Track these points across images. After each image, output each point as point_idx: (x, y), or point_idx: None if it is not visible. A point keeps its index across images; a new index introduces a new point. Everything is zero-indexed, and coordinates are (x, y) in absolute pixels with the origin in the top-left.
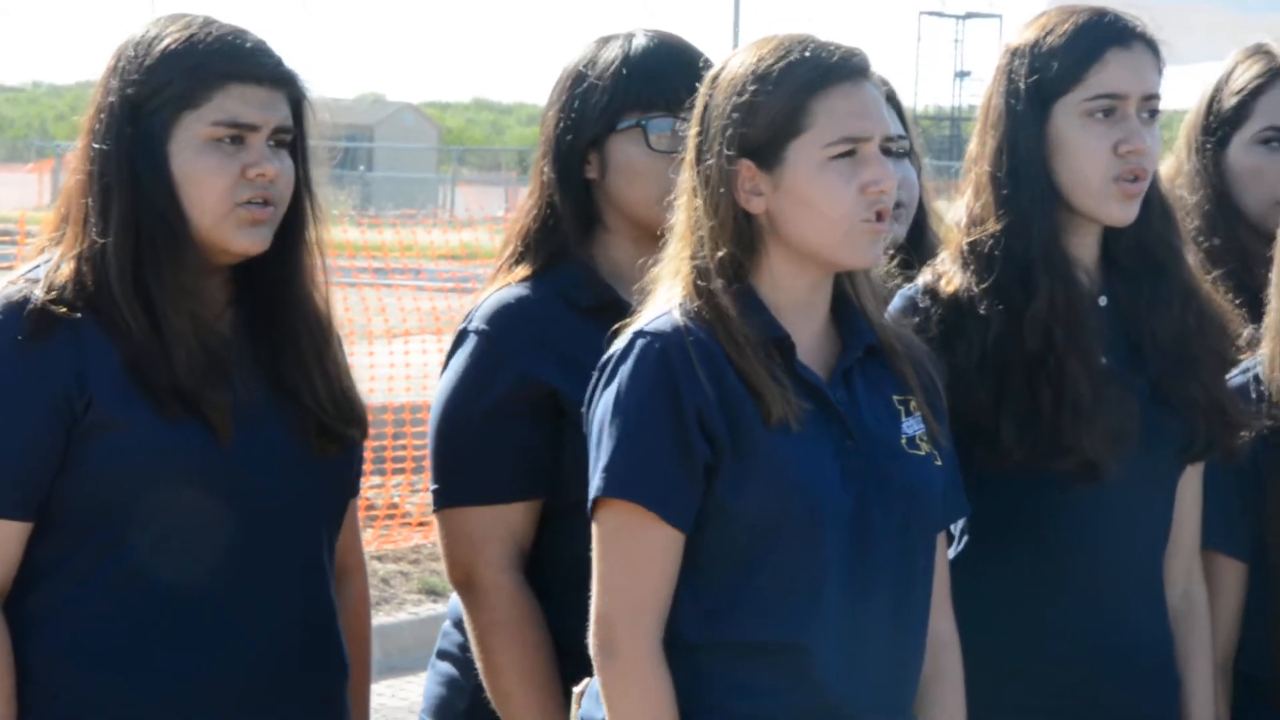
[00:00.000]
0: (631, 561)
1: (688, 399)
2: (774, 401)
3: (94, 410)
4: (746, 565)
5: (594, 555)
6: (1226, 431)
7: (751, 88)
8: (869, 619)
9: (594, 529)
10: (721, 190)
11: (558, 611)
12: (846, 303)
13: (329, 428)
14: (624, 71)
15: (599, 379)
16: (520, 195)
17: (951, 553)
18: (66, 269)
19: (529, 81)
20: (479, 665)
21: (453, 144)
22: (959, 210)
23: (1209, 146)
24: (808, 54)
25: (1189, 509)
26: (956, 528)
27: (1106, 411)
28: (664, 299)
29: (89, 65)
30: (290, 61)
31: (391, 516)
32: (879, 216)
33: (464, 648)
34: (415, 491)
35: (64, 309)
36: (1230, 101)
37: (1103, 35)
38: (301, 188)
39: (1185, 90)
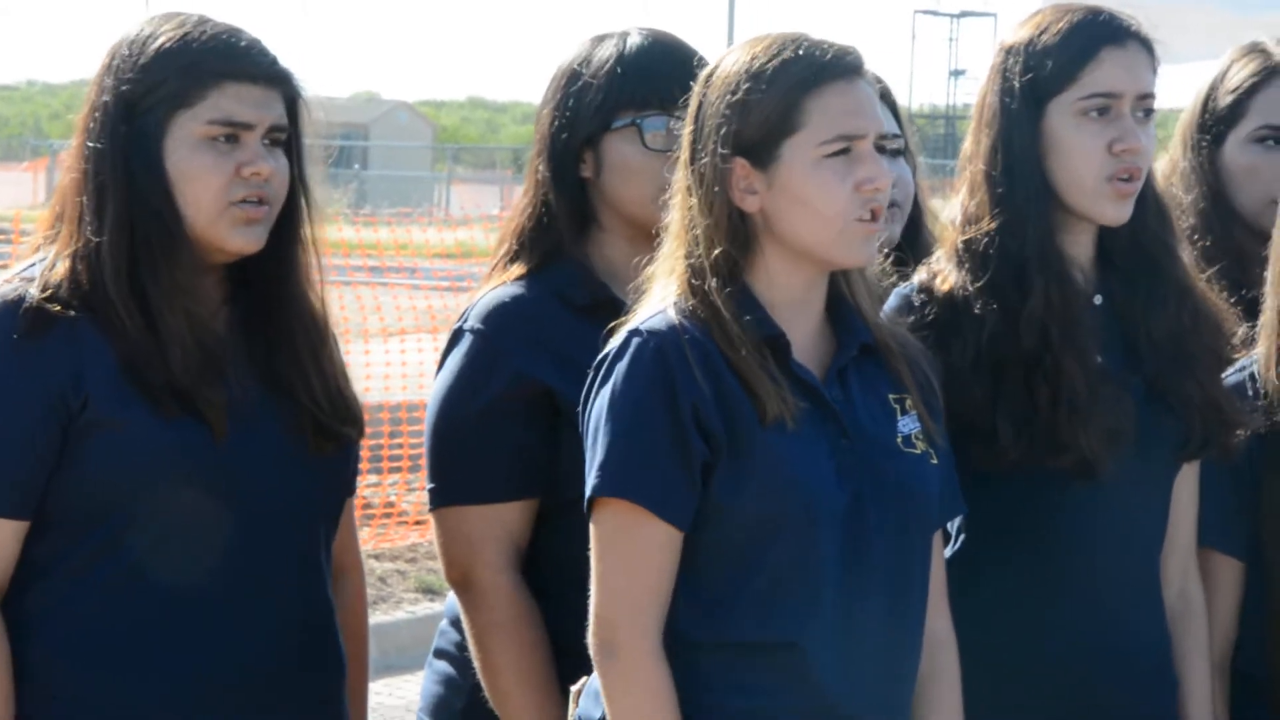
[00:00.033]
0: (630, 561)
1: (684, 397)
2: (769, 400)
3: (90, 409)
4: (743, 564)
5: (592, 555)
6: (1222, 430)
7: (745, 86)
8: (865, 618)
9: (592, 528)
10: (716, 189)
11: (555, 611)
12: (842, 301)
13: (325, 426)
14: (619, 70)
15: (595, 378)
16: (515, 194)
17: (948, 552)
18: (61, 268)
19: (524, 80)
20: (476, 665)
21: (447, 142)
22: (954, 209)
23: (1204, 145)
24: (801, 52)
25: (1185, 507)
26: (953, 527)
27: (1102, 410)
28: (659, 297)
29: (84, 64)
30: (285, 60)
31: (388, 515)
32: (873, 215)
33: (461, 647)
34: (412, 490)
35: (59, 308)
36: (1226, 100)
37: (1097, 34)
38: (296, 186)
39: (1180, 89)
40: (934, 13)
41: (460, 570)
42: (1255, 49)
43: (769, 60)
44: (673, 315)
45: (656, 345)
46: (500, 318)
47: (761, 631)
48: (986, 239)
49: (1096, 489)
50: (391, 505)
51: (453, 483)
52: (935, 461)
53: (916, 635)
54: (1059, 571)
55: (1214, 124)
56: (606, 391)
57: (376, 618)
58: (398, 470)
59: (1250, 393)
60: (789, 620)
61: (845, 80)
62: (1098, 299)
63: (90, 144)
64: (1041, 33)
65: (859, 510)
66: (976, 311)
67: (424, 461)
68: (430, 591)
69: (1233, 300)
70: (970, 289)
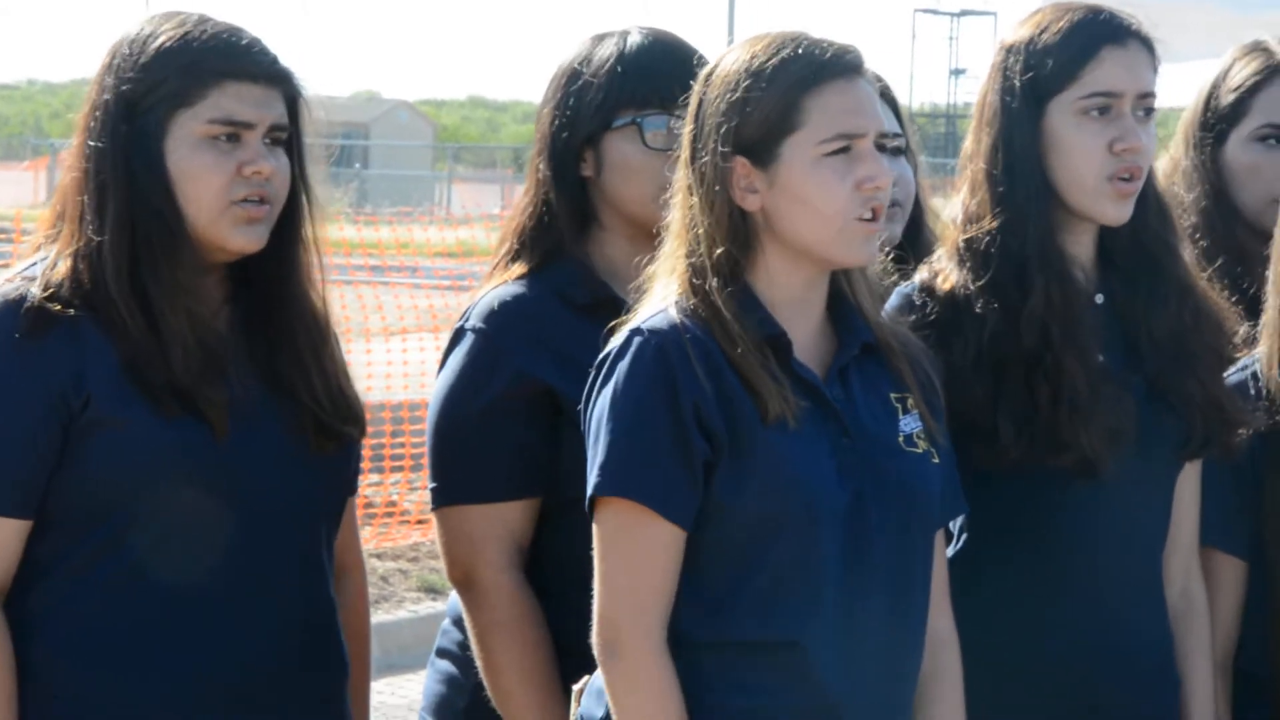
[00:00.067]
0: (633, 560)
1: (686, 396)
2: (771, 399)
3: (91, 408)
4: (744, 563)
5: (595, 554)
6: (1224, 428)
7: (745, 85)
8: (867, 617)
9: (594, 528)
10: (717, 188)
11: (557, 610)
12: (843, 300)
13: (326, 425)
14: (619, 69)
15: (596, 377)
16: (516, 193)
17: (950, 551)
18: (63, 267)
19: (525, 79)
20: (479, 664)
21: (448, 141)
22: (955, 207)
23: (1206, 143)
24: (801, 51)
25: (1187, 507)
26: (955, 526)
27: (1104, 409)
28: (660, 297)
29: (84, 63)
30: (285, 59)
31: (390, 514)
32: (874, 214)
33: (463, 646)
34: (414, 489)
35: (60, 307)
36: (1228, 98)
37: (1098, 33)
38: (297, 185)
39: (1181, 88)
40: (934, 11)
41: (462, 569)
42: (1257, 47)
43: (769, 59)
44: (674, 314)
45: (658, 344)
46: (502, 317)
47: (763, 631)
48: (987, 238)
49: (1098, 488)
50: (393, 504)
51: (454, 482)
52: (937, 461)
53: (918, 634)
54: (1060, 571)
55: (1216, 122)
56: (608, 390)
57: (378, 617)
58: (399, 469)
59: (1252, 392)
60: (790, 619)
61: (845, 79)
62: (1099, 298)
63: (91, 143)
64: (1042, 32)
65: (860, 509)
66: (978, 310)
67: (425, 460)
68: (432, 591)
69: (1234, 299)
70: (971, 288)
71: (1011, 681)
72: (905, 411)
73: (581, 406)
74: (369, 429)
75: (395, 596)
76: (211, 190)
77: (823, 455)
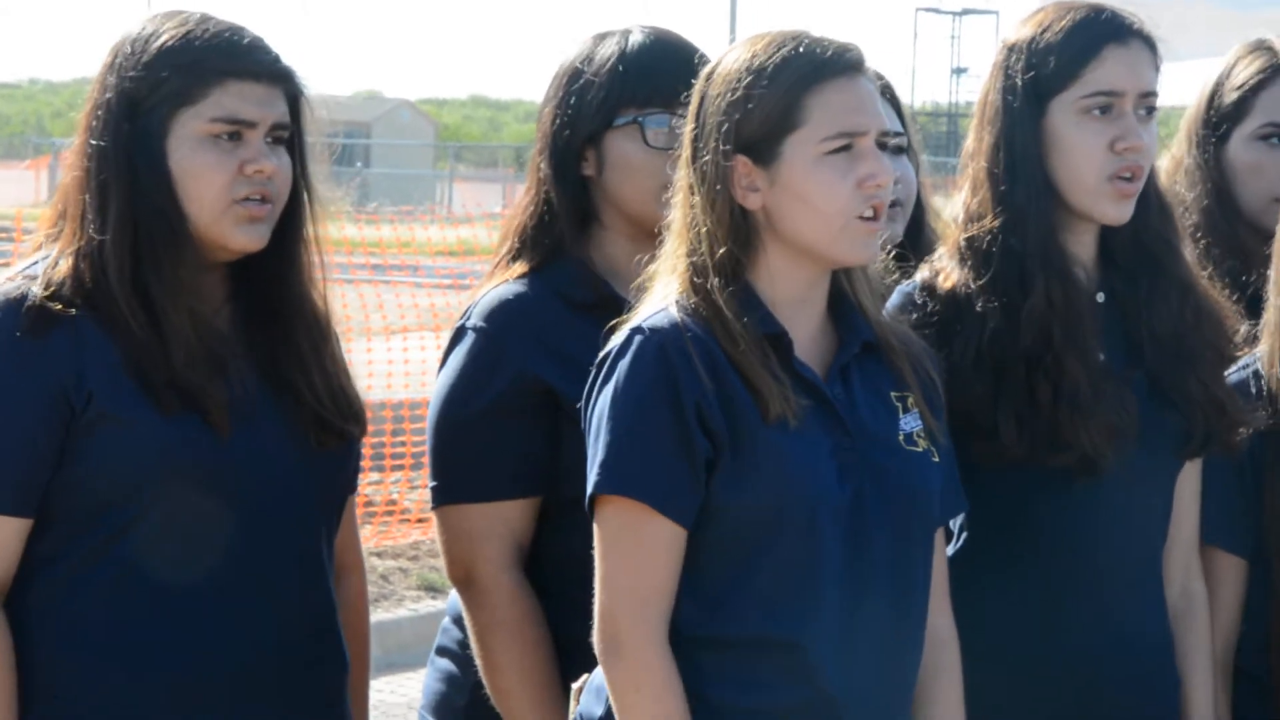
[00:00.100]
0: (634, 558)
1: (687, 395)
2: (772, 398)
3: (93, 406)
4: (745, 562)
5: (596, 553)
6: (1224, 427)
7: (746, 83)
8: (867, 616)
9: (595, 527)
10: (718, 187)
11: (557, 609)
12: (844, 299)
13: (327, 424)
14: (620, 68)
15: (597, 376)
16: (517, 192)
17: (950, 549)
18: (64, 265)
19: (526, 78)
20: (479, 663)
21: (450, 140)
22: (956, 206)
23: (1209, 142)
24: (802, 49)
25: (1188, 505)
26: (955, 524)
27: (1104, 407)
28: (661, 295)
29: (86, 62)
30: (287, 58)
31: (390, 513)
32: (875, 212)
33: (463, 644)
34: (414, 488)
35: (62, 306)
36: (1231, 97)
37: (1100, 32)
38: (299, 184)
39: (1182, 87)
40: (936, 10)
41: (462, 568)
42: (1261, 46)
43: (770, 57)
44: (675, 313)
45: (659, 343)
46: (502, 316)
47: (763, 629)
48: (989, 237)
49: (1098, 486)
50: (393, 503)
51: (455, 481)
52: (937, 459)
53: (918, 633)
54: (1061, 569)
55: (1218, 121)
56: (609, 389)
57: (378, 615)
58: (400, 468)
59: (1253, 390)
60: (790, 618)
61: (846, 77)
62: (1100, 296)
63: (93, 142)
64: (1044, 30)
65: (861, 508)
66: (978, 309)
67: (426, 459)
68: (432, 589)
69: (1235, 298)
70: (972, 286)
71: (1011, 680)
72: (906, 410)
73: (582, 405)
74: (369, 427)
75: (395, 595)
76: (213, 189)
77: (823, 454)
